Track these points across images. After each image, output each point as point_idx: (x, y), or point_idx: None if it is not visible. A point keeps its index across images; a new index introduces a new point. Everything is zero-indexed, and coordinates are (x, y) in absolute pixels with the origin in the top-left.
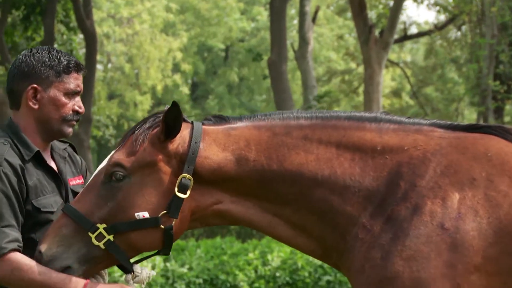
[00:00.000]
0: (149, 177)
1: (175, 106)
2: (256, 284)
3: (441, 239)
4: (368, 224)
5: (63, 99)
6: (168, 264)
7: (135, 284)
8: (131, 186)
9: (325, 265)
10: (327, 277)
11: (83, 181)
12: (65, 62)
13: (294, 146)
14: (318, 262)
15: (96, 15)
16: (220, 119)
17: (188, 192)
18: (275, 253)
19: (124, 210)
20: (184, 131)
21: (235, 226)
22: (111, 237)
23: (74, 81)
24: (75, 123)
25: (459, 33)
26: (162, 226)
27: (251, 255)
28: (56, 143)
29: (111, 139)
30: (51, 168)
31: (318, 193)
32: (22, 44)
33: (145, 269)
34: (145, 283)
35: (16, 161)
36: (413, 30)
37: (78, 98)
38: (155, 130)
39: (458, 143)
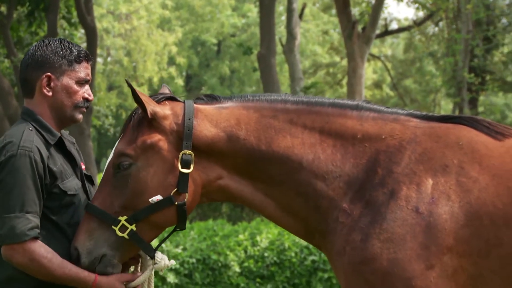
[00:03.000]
0: (153, 158)
1: (128, 85)
2: (246, 264)
3: (416, 222)
4: (348, 208)
5: (75, 86)
6: (163, 245)
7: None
8: (139, 170)
9: (311, 246)
10: (312, 257)
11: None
12: (76, 52)
13: (281, 129)
14: (304, 243)
15: (97, 11)
16: (211, 98)
17: (192, 167)
18: (264, 235)
19: (138, 194)
20: (177, 109)
21: (226, 209)
22: (133, 227)
23: (85, 70)
24: (85, 109)
25: (436, 29)
26: (176, 203)
27: (241, 237)
28: (63, 131)
29: (110, 128)
30: (70, 152)
31: (303, 176)
32: (27, 39)
33: (165, 258)
34: (163, 270)
35: (43, 148)
36: (394, 26)
37: (87, 86)
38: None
39: (431, 132)
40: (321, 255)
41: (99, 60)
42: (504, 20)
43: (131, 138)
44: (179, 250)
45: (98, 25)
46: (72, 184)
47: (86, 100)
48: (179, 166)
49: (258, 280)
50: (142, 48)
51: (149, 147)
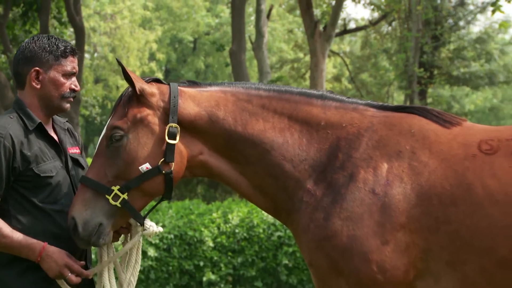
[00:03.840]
0: (143, 130)
1: (118, 63)
2: (219, 239)
3: (373, 202)
4: (312, 189)
5: (62, 79)
6: (144, 222)
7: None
8: (130, 142)
9: (277, 223)
10: (278, 233)
11: (80, 151)
12: (63, 48)
13: (254, 113)
14: (271, 220)
15: (84, 12)
16: (193, 83)
17: (178, 138)
18: (235, 213)
19: (129, 163)
20: (163, 88)
21: (201, 190)
22: (125, 196)
23: (71, 64)
24: (72, 99)
25: (390, 28)
26: (164, 172)
27: (214, 215)
28: (57, 117)
29: (97, 117)
30: (52, 137)
31: (273, 158)
32: (21, 37)
33: (154, 225)
34: (152, 236)
35: (19, 134)
36: (352, 25)
37: (74, 78)
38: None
39: (386, 121)
40: (286, 231)
41: (87, 55)
42: (450, 20)
43: (122, 113)
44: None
45: (86, 24)
46: (48, 166)
47: (72, 90)
48: (167, 137)
49: (229, 253)
50: (125, 45)
51: (139, 121)
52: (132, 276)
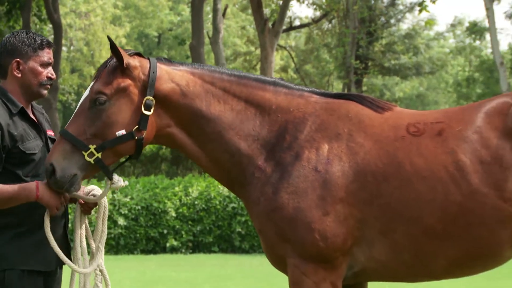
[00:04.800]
0: (124, 99)
1: (110, 41)
2: (180, 210)
3: (315, 179)
4: (262, 166)
5: (39, 68)
6: (115, 195)
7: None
8: (111, 107)
9: (232, 195)
10: (232, 205)
11: (54, 134)
12: (39, 41)
13: (216, 95)
14: (226, 193)
15: (62, 10)
16: (167, 60)
17: (152, 110)
18: (195, 187)
19: (107, 127)
20: (144, 62)
21: (165, 167)
22: (99, 155)
23: (47, 55)
24: (49, 86)
25: (330, 25)
26: (136, 138)
27: (176, 189)
28: (35, 104)
29: (73, 102)
30: (33, 119)
31: (230, 136)
32: (6, 32)
33: (121, 180)
34: (118, 189)
35: (5, 117)
36: (297, 22)
37: (50, 68)
38: (117, 60)
39: (327, 107)
40: (239, 203)
41: (64, 48)
42: (382, 19)
43: (107, 80)
44: (127, 199)
45: (63, 21)
46: (32, 145)
47: (49, 78)
48: (143, 108)
49: (190, 222)
50: (98, 40)
51: (122, 89)
52: (100, 243)
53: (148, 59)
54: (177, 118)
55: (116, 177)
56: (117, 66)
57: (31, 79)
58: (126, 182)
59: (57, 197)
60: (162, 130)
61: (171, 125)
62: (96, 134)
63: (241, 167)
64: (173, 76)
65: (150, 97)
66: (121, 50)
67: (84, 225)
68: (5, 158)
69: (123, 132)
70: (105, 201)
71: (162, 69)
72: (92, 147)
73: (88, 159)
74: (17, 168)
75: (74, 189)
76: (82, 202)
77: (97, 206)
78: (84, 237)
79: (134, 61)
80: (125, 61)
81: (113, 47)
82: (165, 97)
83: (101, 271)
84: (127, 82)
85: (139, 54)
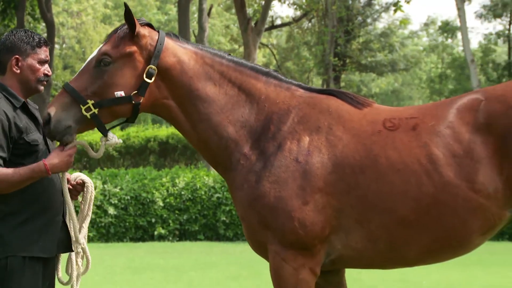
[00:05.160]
0: (128, 64)
1: (126, 8)
2: (168, 200)
3: (296, 169)
4: (248, 154)
5: (37, 65)
6: (105, 186)
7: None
8: (115, 69)
9: (217, 186)
10: (217, 195)
11: None
12: (37, 39)
13: (213, 77)
14: (211, 184)
15: (54, 9)
16: (175, 36)
17: (153, 79)
18: (181, 178)
19: (108, 87)
20: (153, 34)
21: (153, 159)
22: (96, 111)
23: (44, 53)
24: (45, 83)
25: (310, 24)
26: (133, 102)
27: (164, 180)
28: (29, 100)
29: None
30: (33, 114)
31: (220, 119)
32: (1, 30)
33: (115, 137)
34: (113, 146)
35: (10, 110)
36: (278, 21)
37: (47, 65)
38: (127, 26)
39: (310, 101)
40: (224, 194)
41: (56, 46)
42: (359, 18)
43: (116, 44)
44: (117, 190)
45: (56, 20)
46: (35, 136)
47: (46, 75)
48: (144, 76)
49: (176, 212)
50: (89, 38)
51: (127, 55)
52: (83, 223)
53: (158, 31)
54: (174, 92)
55: (110, 134)
56: (127, 33)
57: (29, 75)
58: (120, 140)
59: (64, 157)
60: (159, 100)
61: (168, 97)
62: (96, 92)
63: (228, 152)
64: (177, 52)
65: (153, 66)
66: (134, 19)
67: (72, 205)
68: (11, 150)
69: (122, 93)
70: (91, 187)
71: (169, 43)
72: (90, 103)
73: (85, 113)
74: (22, 159)
75: (67, 139)
76: (71, 187)
77: (85, 191)
78: (75, 219)
79: (144, 30)
80: (137, 29)
81: (128, 14)
82: (166, 69)
83: (83, 249)
84: (134, 48)
85: (150, 25)
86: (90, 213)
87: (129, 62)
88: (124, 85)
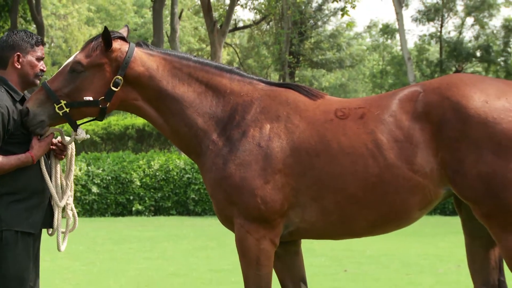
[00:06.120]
0: (97, 73)
1: (105, 29)
2: (144, 180)
3: (258, 153)
4: (216, 140)
5: (35, 62)
6: (89, 168)
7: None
8: (85, 77)
9: (187, 168)
10: (187, 175)
11: None
12: (36, 39)
13: (182, 78)
14: (182, 166)
15: (44, 12)
16: (145, 45)
17: (119, 88)
18: (156, 161)
19: (78, 91)
20: (124, 47)
21: (131, 144)
22: (67, 110)
23: (41, 51)
24: (41, 77)
25: (268, 26)
26: (100, 106)
27: (141, 162)
28: (26, 92)
29: None
30: None
31: (190, 113)
32: None
33: (83, 133)
34: (80, 140)
35: (10, 104)
36: (241, 24)
37: (42, 62)
38: (103, 43)
39: (270, 93)
40: (193, 174)
41: (46, 45)
42: (311, 21)
43: (88, 54)
44: (100, 171)
45: (45, 22)
46: None
47: (42, 70)
48: (111, 84)
49: (152, 190)
50: (74, 38)
51: (98, 65)
52: (68, 180)
53: (129, 43)
54: (145, 95)
55: (80, 130)
56: (100, 46)
57: (29, 70)
58: (88, 136)
59: (44, 145)
60: (128, 102)
61: (138, 99)
62: (68, 94)
63: (198, 140)
64: (145, 61)
65: (120, 77)
66: (111, 39)
67: (58, 166)
68: (8, 139)
69: (90, 98)
70: (72, 146)
71: (138, 53)
72: (63, 102)
73: (57, 111)
74: (15, 147)
75: (40, 131)
76: (55, 148)
77: (66, 150)
78: (59, 174)
79: (115, 44)
80: (110, 45)
81: (105, 34)
82: (134, 78)
83: (68, 204)
84: (104, 60)
85: (122, 38)
86: (73, 169)
87: (98, 72)
88: (92, 91)
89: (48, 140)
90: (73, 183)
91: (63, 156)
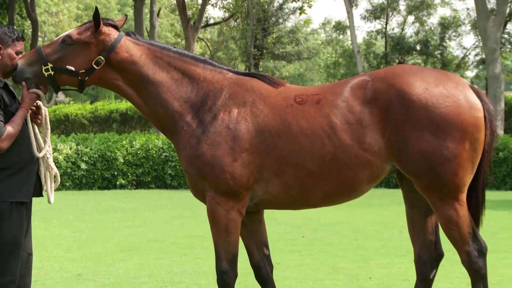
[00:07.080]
0: (83, 49)
1: (96, 10)
2: (127, 157)
3: (227, 134)
4: (190, 122)
5: (14, 55)
6: (78, 147)
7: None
8: (73, 50)
9: (165, 147)
10: (165, 154)
11: None
12: (16, 34)
13: (162, 66)
14: (160, 145)
15: (38, 10)
16: (134, 35)
17: (99, 66)
18: (137, 141)
19: (64, 60)
20: (113, 33)
21: (115, 127)
22: (52, 73)
23: (20, 46)
24: None
25: (235, 23)
26: (80, 78)
27: (124, 142)
28: (7, 80)
29: None
30: (12, 91)
31: (167, 96)
32: None
33: (63, 96)
34: (61, 102)
35: None
36: (211, 21)
37: (20, 55)
38: (93, 22)
39: (238, 82)
40: (170, 153)
41: (40, 39)
42: (273, 19)
43: (81, 32)
44: (88, 150)
45: (39, 19)
46: (15, 107)
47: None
48: (93, 63)
49: (134, 167)
50: None
51: (85, 43)
52: (46, 137)
53: (120, 32)
54: (127, 77)
55: (60, 93)
56: (92, 27)
57: (8, 62)
58: (67, 99)
59: (34, 96)
60: (108, 80)
61: (118, 79)
62: (55, 60)
63: (174, 121)
64: (131, 49)
65: (102, 58)
66: (100, 20)
67: (35, 126)
68: None
69: (72, 68)
70: (45, 110)
71: (125, 41)
72: (50, 65)
73: (43, 72)
74: (5, 121)
75: (20, 83)
76: (32, 111)
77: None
78: (37, 130)
79: (106, 29)
80: (99, 28)
81: (95, 15)
82: (118, 62)
83: (48, 158)
84: (92, 40)
85: (115, 26)
86: (49, 127)
87: (85, 49)
88: (76, 63)
89: (33, 95)
90: (50, 140)
91: (39, 121)
